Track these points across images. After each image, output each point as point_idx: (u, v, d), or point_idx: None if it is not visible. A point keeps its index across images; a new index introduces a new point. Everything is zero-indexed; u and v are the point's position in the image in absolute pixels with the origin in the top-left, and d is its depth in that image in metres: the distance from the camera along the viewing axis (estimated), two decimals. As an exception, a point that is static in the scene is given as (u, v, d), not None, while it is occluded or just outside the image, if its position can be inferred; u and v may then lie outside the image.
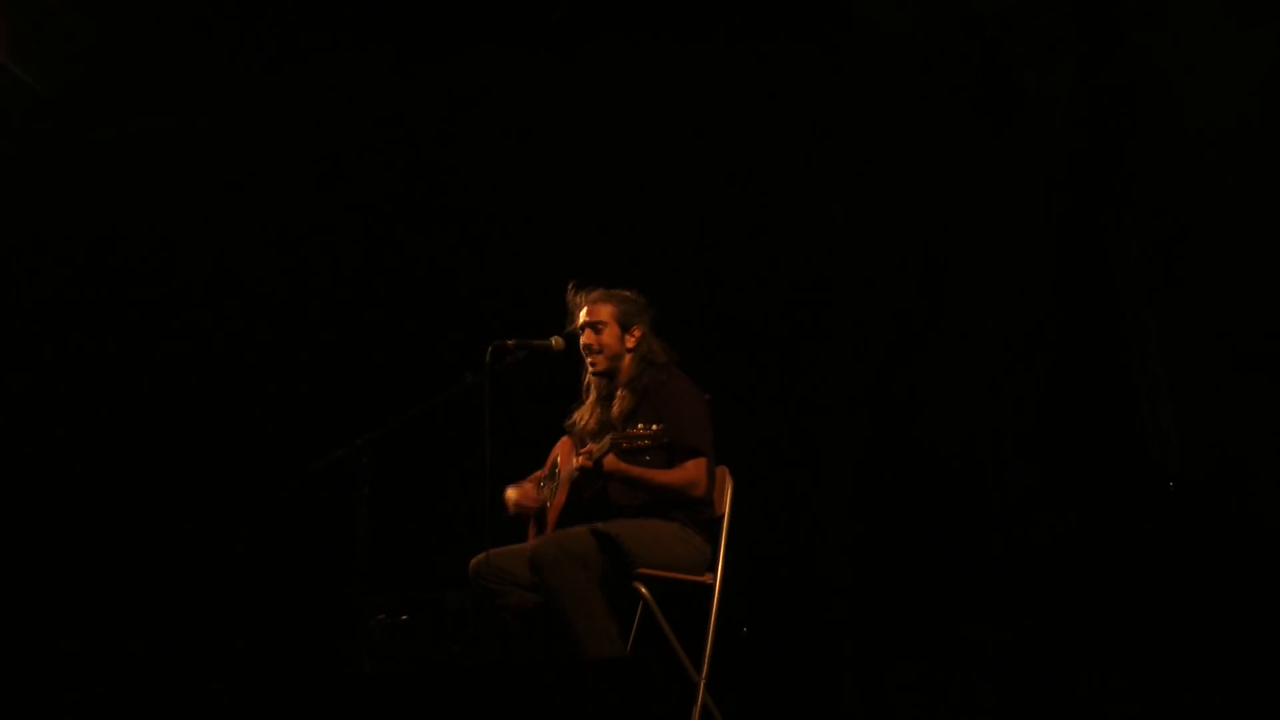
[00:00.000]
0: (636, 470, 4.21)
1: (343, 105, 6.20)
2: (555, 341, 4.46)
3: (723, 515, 4.48)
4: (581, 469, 4.15)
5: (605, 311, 4.55)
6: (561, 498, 4.44)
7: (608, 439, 4.09)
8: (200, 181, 6.20)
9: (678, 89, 5.99)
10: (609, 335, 4.53)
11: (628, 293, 4.59)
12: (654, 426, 4.00)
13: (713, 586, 4.35)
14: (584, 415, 4.61)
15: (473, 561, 4.39)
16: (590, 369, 4.55)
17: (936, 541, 5.36)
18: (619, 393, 4.50)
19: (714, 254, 5.96)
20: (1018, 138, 5.42)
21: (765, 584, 5.53)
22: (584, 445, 4.29)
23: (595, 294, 4.58)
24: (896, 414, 5.56)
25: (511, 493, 4.68)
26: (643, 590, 4.19)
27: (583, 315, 4.55)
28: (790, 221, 5.90)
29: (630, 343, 4.54)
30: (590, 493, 4.36)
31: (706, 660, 4.23)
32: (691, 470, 4.31)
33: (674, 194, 6.03)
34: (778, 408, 5.77)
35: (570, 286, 4.59)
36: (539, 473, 4.77)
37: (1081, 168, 5.31)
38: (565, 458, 4.62)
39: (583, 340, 4.53)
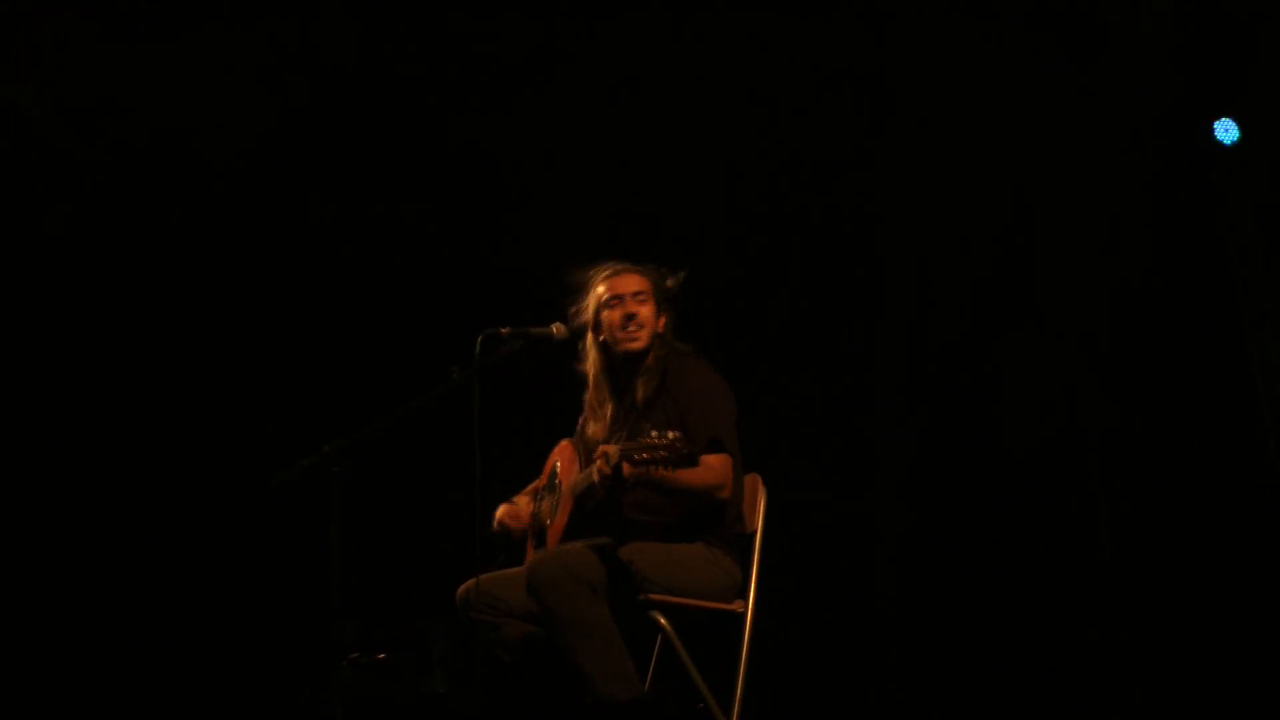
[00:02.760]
0: (658, 473, 3.97)
1: (306, 59, 6.05)
2: (557, 329, 4.30)
3: (754, 532, 4.32)
4: (600, 475, 3.98)
5: (646, 284, 4.43)
6: (565, 513, 4.32)
7: (616, 447, 3.96)
8: (143, 153, 6.10)
9: (705, 37, 5.84)
10: (649, 311, 4.40)
11: (661, 273, 4.46)
12: (670, 434, 3.84)
13: (744, 616, 4.21)
14: (592, 414, 4.47)
15: (460, 589, 4.25)
16: (629, 345, 4.38)
17: (1010, 561, 5.28)
18: (638, 381, 4.37)
19: (743, 224, 5.81)
20: (1103, 84, 5.30)
21: (806, 613, 5.43)
22: (594, 451, 4.11)
23: (627, 266, 4.46)
24: (963, 410, 5.46)
25: (502, 510, 4.57)
26: (661, 620, 4.03)
27: (624, 283, 4.42)
28: (835, 186, 5.74)
29: (661, 326, 4.42)
30: (593, 501, 4.21)
31: (738, 702, 4.10)
32: (718, 468, 4.15)
33: (698, 156, 5.87)
34: (820, 405, 5.64)
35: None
36: (535, 483, 4.64)
37: (1183, 119, 5.24)
38: (566, 466, 4.50)
39: (623, 310, 4.38)
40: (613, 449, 3.96)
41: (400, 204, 6.19)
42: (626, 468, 3.93)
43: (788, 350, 5.75)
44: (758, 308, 5.79)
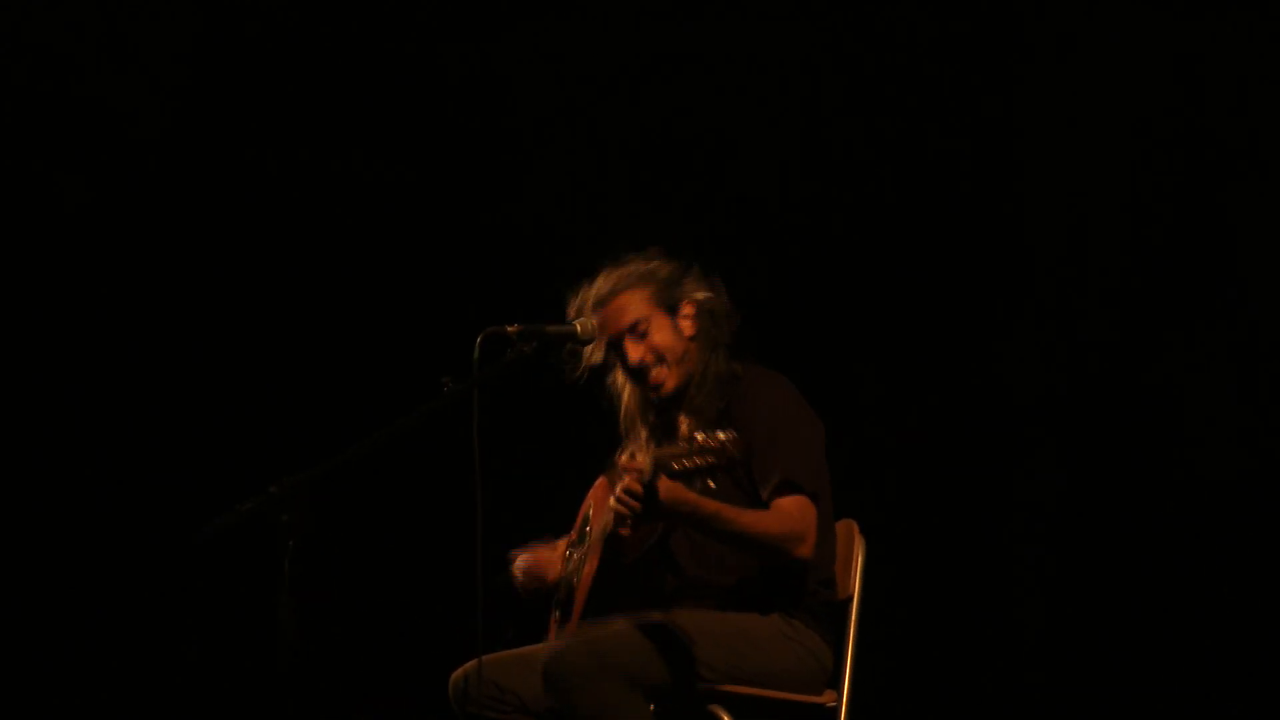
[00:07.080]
0: (712, 505, 3.89)
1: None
2: (579, 326, 4.19)
3: (849, 599, 4.29)
4: (630, 498, 3.87)
5: (638, 304, 4.32)
6: (593, 566, 4.28)
7: (650, 456, 3.82)
8: (41, 107, 6.20)
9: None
10: (662, 334, 4.29)
11: (653, 261, 4.37)
12: (720, 434, 3.69)
13: (836, 710, 4.20)
14: (636, 447, 4.40)
15: (457, 673, 4.25)
16: (656, 395, 4.36)
17: (1193, 634, 5.22)
18: (679, 415, 4.34)
19: (826, 199, 5.78)
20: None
21: (919, 707, 5.46)
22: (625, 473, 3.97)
23: (608, 284, 4.33)
24: (1128, 438, 5.40)
25: (522, 560, 4.55)
26: (724, 716, 4.02)
27: (615, 316, 4.34)
28: (951, 141, 5.73)
29: (689, 328, 4.32)
30: (636, 553, 4.15)
31: (829, 828, 3.98)
32: (794, 514, 4.04)
33: (765, 111, 5.85)
34: (938, 432, 5.62)
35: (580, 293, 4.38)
36: (567, 538, 4.63)
37: None
38: (599, 509, 4.42)
39: (630, 360, 4.34)
40: (643, 461, 3.86)
41: (376, 163, 6.20)
42: (665, 484, 3.82)
43: (894, 362, 5.70)
44: (856, 308, 5.73)
